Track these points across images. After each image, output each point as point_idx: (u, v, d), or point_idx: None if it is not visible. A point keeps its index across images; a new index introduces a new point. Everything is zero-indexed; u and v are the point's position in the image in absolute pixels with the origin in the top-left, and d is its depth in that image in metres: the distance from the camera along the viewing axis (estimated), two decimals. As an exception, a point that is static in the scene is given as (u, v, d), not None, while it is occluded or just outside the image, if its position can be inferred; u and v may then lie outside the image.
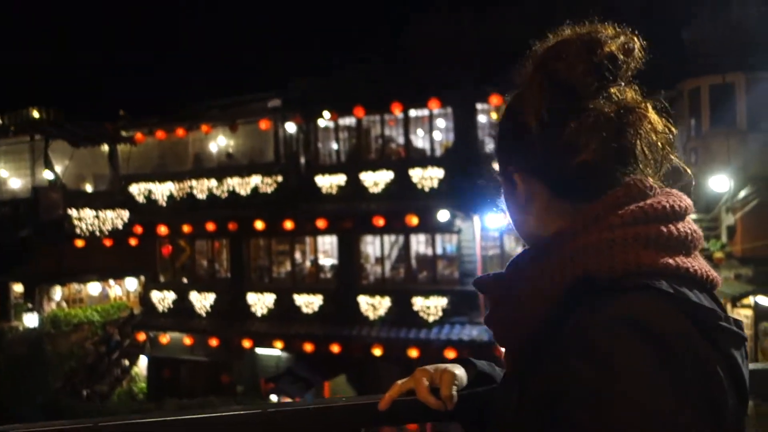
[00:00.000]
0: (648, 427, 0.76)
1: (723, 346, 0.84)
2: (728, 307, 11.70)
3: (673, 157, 0.98)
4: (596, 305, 0.83)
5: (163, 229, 17.95)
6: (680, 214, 0.94)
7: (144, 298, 19.36)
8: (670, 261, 0.88)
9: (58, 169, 20.02)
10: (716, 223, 13.05)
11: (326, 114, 16.18)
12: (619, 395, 0.77)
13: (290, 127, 16.69)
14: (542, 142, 0.95)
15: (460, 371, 1.11)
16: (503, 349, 1.02)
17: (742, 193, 12.50)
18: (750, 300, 11.44)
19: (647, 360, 0.78)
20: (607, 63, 0.94)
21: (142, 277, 20.26)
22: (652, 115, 0.96)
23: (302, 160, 16.69)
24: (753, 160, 12.58)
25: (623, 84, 0.96)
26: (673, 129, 0.98)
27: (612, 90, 0.95)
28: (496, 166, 1.07)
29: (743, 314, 11.86)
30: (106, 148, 20.10)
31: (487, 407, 1.08)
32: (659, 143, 0.96)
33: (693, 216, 0.99)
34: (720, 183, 11.84)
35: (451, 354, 13.68)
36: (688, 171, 1.00)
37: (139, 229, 18.49)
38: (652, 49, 0.99)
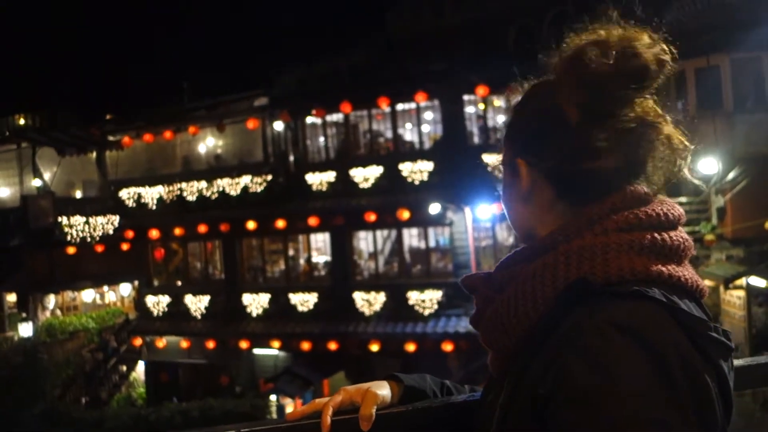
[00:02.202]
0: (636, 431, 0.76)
1: (712, 356, 0.85)
2: (721, 288, 11.78)
3: (685, 172, 0.99)
4: (591, 309, 0.84)
5: (154, 233, 17.88)
6: (673, 223, 0.95)
7: (139, 303, 19.29)
8: (663, 269, 0.89)
9: (47, 176, 19.88)
10: (706, 205, 13.11)
11: (313, 111, 16.13)
12: (610, 398, 0.77)
13: (278, 126, 16.62)
14: (563, 140, 0.94)
15: (384, 391, 1.07)
16: (490, 351, 1.00)
17: (731, 175, 12.56)
18: (742, 281, 11.51)
19: (640, 366, 0.79)
20: (639, 72, 0.94)
21: (136, 282, 20.17)
22: (670, 130, 0.96)
23: (291, 158, 16.63)
24: (740, 141, 12.62)
25: (647, 95, 0.96)
26: (688, 145, 0.98)
27: (637, 100, 0.95)
28: (499, 152, 1.06)
29: (735, 295, 11.94)
30: (94, 153, 19.97)
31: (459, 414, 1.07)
32: (673, 158, 0.97)
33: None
34: (708, 165, 11.90)
35: (448, 347, 13.72)
36: (702, 186, 1.02)
37: (130, 234, 18.40)
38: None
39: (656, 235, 0.91)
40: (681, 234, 0.95)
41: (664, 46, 0.96)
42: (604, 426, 0.77)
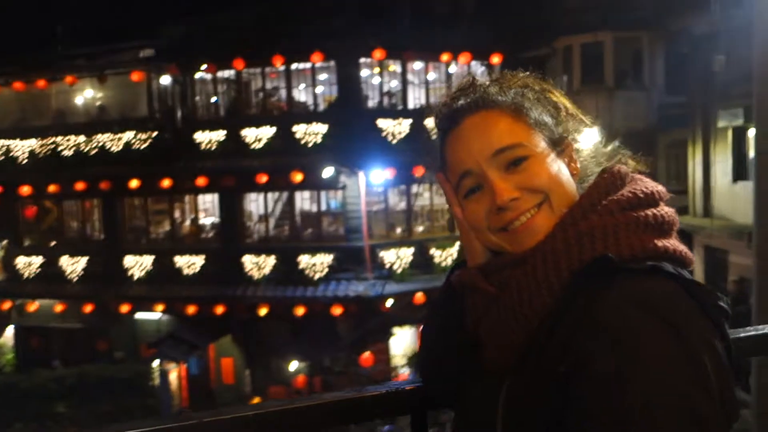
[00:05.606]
0: (659, 407, 0.77)
1: (721, 325, 0.88)
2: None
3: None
4: (606, 288, 0.85)
5: (25, 189, 16.71)
6: (664, 199, 1.00)
7: (7, 264, 18.06)
8: (667, 244, 0.93)
9: None
10: (586, 176, 13.81)
11: (204, 66, 15.52)
12: (631, 375, 0.79)
13: (165, 80, 15.92)
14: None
15: None
16: (494, 347, 0.97)
17: (609, 148, 13.27)
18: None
19: (661, 343, 0.80)
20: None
21: (4, 242, 18.82)
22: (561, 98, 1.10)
23: (179, 114, 16.01)
24: (618, 116, 13.35)
25: None
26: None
27: None
28: (538, 132, 1.03)
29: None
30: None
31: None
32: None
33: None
34: (590, 138, 12.48)
35: (338, 310, 13.79)
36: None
37: (-3, 190, 17.10)
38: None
39: (655, 212, 0.95)
40: (670, 209, 0.99)
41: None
42: (628, 405, 0.78)
